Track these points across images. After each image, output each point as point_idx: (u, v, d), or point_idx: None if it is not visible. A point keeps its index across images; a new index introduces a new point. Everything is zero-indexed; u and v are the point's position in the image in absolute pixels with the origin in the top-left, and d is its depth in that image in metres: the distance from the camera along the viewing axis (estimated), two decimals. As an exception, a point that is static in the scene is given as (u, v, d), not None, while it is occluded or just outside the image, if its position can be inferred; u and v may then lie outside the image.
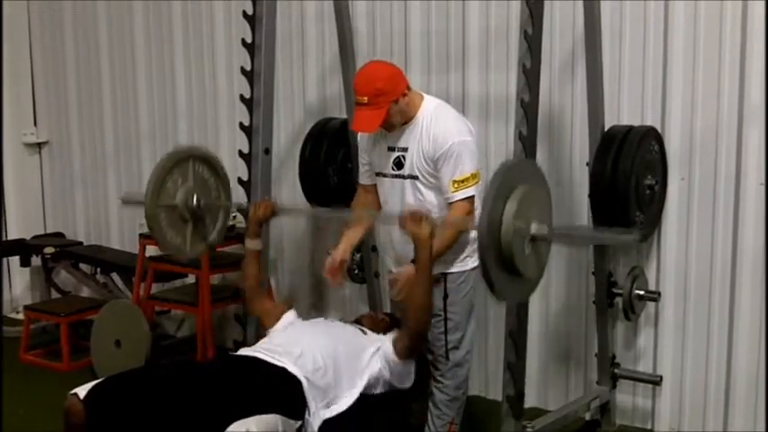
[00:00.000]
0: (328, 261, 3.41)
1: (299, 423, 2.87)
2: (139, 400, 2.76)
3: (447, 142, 3.16)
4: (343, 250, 3.43)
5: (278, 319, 3.35)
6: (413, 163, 3.25)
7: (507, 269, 2.67)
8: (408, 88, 3.24)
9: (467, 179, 3.17)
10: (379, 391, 3.15)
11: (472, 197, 3.20)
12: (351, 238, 3.49)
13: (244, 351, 3.14)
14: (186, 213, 3.50)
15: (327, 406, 3.00)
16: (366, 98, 3.15)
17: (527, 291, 2.93)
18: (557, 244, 2.89)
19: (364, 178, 3.52)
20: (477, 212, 3.34)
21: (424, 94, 3.34)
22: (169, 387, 2.81)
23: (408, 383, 3.23)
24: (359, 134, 3.48)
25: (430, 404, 3.40)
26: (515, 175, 2.72)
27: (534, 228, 2.71)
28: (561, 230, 2.79)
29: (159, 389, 2.80)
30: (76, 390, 2.77)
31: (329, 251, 3.50)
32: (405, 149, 3.27)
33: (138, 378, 2.94)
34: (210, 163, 3.61)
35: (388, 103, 3.16)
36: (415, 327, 3.14)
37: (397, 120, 3.23)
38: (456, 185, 3.17)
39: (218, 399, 2.74)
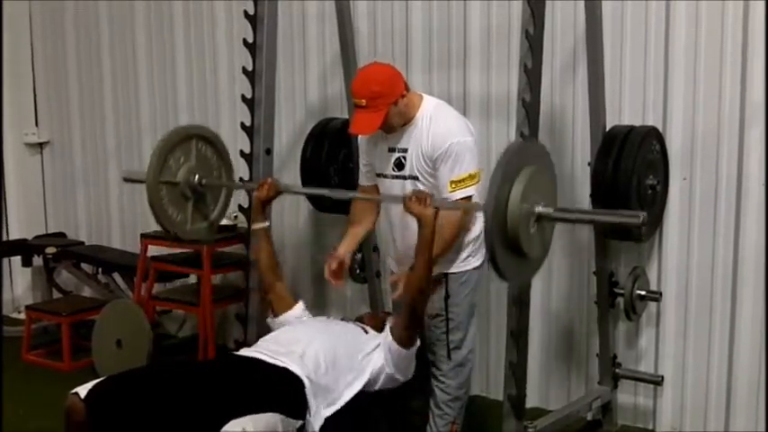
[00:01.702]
0: (328, 263, 3.41)
1: (301, 422, 2.87)
2: (140, 400, 2.76)
3: (446, 142, 3.16)
4: (343, 251, 3.43)
5: (289, 307, 3.37)
6: (413, 163, 3.25)
7: (512, 249, 2.69)
8: (407, 89, 3.24)
9: (464, 179, 3.17)
10: (378, 386, 3.14)
11: (470, 197, 3.20)
12: (351, 238, 3.50)
13: (245, 351, 3.14)
14: (188, 191, 3.52)
15: (328, 405, 3.00)
16: (364, 101, 3.16)
17: (531, 271, 2.96)
18: (562, 223, 2.96)
19: (364, 179, 3.51)
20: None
21: (424, 95, 3.34)
22: (170, 387, 2.81)
23: (409, 374, 3.21)
24: (359, 136, 3.48)
25: (431, 404, 3.40)
26: (521, 157, 2.75)
27: (540, 207, 2.73)
28: (566, 210, 2.82)
29: (160, 388, 2.80)
30: (77, 389, 2.77)
31: (334, 247, 3.50)
32: (405, 150, 3.27)
33: (139, 377, 2.94)
34: (213, 142, 3.62)
35: (387, 105, 3.16)
36: (410, 304, 3.09)
37: (396, 122, 3.23)
38: (454, 185, 3.16)
39: (218, 398, 2.74)
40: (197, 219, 3.60)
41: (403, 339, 3.13)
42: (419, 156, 3.23)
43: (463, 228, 3.25)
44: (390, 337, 3.14)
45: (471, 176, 3.18)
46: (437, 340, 3.35)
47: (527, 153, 2.83)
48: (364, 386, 3.10)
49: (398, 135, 3.28)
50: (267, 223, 3.47)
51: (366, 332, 3.29)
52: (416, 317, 3.13)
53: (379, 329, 3.33)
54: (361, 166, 3.52)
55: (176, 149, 3.47)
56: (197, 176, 3.53)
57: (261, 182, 3.44)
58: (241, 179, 3.75)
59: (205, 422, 2.67)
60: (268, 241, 3.46)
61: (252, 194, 3.53)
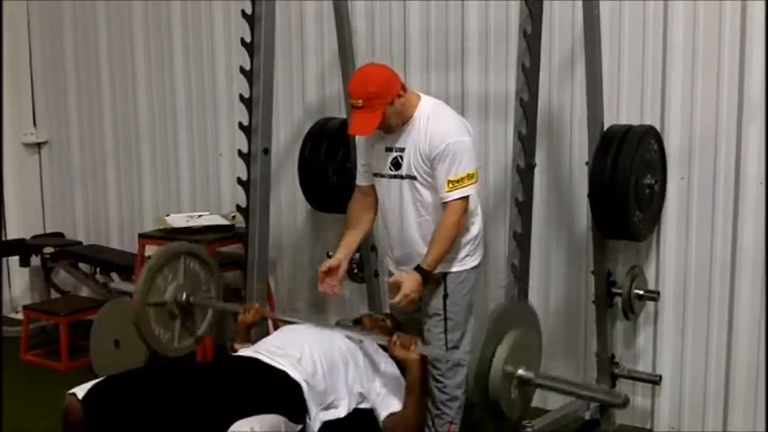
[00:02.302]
0: (320, 270, 3.41)
1: (301, 427, 2.87)
2: (138, 400, 2.76)
3: (443, 142, 3.16)
4: (336, 261, 3.43)
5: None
6: (410, 163, 3.25)
7: (492, 411, 2.79)
8: (404, 89, 3.24)
9: (462, 179, 3.17)
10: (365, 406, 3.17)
11: (467, 197, 3.20)
12: (347, 247, 3.50)
13: (243, 351, 3.14)
14: (175, 309, 3.57)
15: (326, 409, 3.00)
16: (361, 101, 3.16)
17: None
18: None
19: (362, 180, 3.51)
20: (477, 211, 3.37)
21: (422, 94, 3.34)
22: (168, 387, 2.81)
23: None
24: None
25: (429, 404, 3.39)
26: (509, 319, 2.87)
27: (522, 371, 2.83)
28: (547, 379, 2.97)
29: (158, 389, 2.80)
30: (74, 389, 2.78)
31: (329, 253, 3.50)
32: (402, 150, 3.27)
33: (137, 378, 2.94)
34: (202, 258, 3.66)
35: (383, 105, 3.16)
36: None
37: (394, 122, 3.23)
38: (451, 185, 3.16)
39: (217, 399, 2.74)
40: (184, 336, 3.66)
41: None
42: (417, 155, 3.23)
43: (462, 228, 3.26)
44: (384, 414, 3.12)
45: (469, 176, 3.18)
46: (435, 340, 3.35)
47: (515, 315, 2.94)
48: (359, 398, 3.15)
49: (396, 134, 3.28)
50: (249, 345, 3.38)
51: (361, 343, 3.28)
52: None
53: (378, 333, 3.34)
54: (358, 165, 3.52)
55: (164, 268, 3.52)
56: (185, 294, 3.56)
57: (247, 306, 3.46)
58: (239, 179, 3.74)
59: (204, 422, 2.67)
60: None
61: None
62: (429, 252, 3.20)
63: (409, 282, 3.18)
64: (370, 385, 3.16)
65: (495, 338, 2.77)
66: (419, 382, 3.05)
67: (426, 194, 3.26)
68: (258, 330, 3.55)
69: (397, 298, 3.18)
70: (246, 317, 3.41)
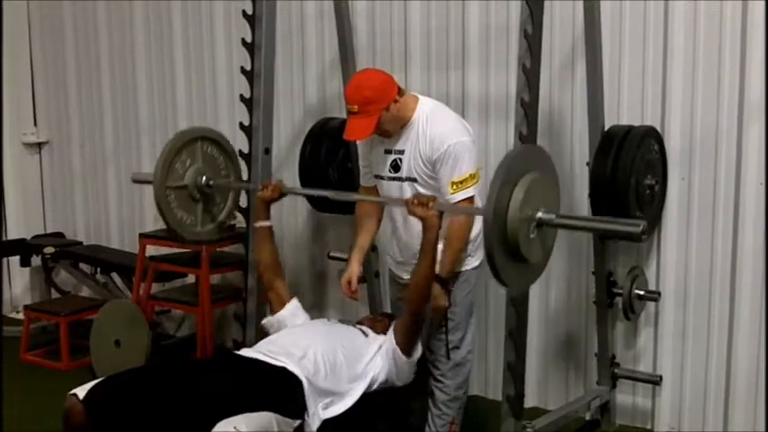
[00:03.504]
0: (344, 281, 3.47)
1: (298, 422, 2.87)
2: (139, 401, 2.76)
3: (444, 144, 3.17)
4: (356, 268, 3.48)
5: (283, 305, 3.41)
6: (410, 165, 3.26)
7: (512, 255, 2.70)
8: (401, 93, 3.25)
9: (465, 180, 3.18)
10: (376, 387, 3.15)
11: (472, 197, 3.21)
12: (359, 251, 3.53)
13: (245, 351, 3.14)
14: (196, 193, 3.55)
15: (326, 407, 3.00)
16: (356, 106, 3.18)
17: (532, 277, 2.96)
18: (562, 230, 2.93)
19: (365, 180, 3.53)
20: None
21: (420, 96, 3.34)
22: (169, 387, 2.81)
23: (408, 380, 3.24)
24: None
25: (430, 404, 3.40)
26: (523, 162, 2.75)
27: (541, 213, 2.74)
28: (568, 217, 2.84)
29: (159, 389, 2.80)
30: (75, 390, 2.77)
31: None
32: (401, 152, 3.28)
33: (138, 378, 2.94)
34: (219, 143, 3.65)
35: (379, 110, 3.17)
36: (413, 307, 3.13)
37: (391, 127, 3.24)
38: (455, 186, 3.17)
39: (217, 399, 2.74)
40: (206, 220, 3.64)
41: (405, 344, 3.15)
42: (417, 158, 3.23)
43: (469, 228, 3.26)
44: (393, 343, 3.16)
45: (472, 176, 3.19)
46: (436, 340, 3.35)
47: (528, 158, 2.83)
48: (365, 389, 3.11)
49: (395, 137, 3.28)
50: (270, 223, 3.48)
51: (366, 335, 3.29)
52: (419, 319, 3.15)
53: (379, 332, 3.34)
54: (360, 167, 3.53)
55: (182, 152, 3.51)
56: (204, 178, 3.56)
57: (265, 183, 3.47)
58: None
59: (205, 422, 2.67)
60: (270, 240, 3.49)
61: (256, 195, 3.54)
62: (445, 259, 3.21)
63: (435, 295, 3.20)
64: (374, 364, 3.16)
65: (511, 181, 2.67)
66: (434, 244, 3.05)
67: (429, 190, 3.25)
68: (257, 331, 3.57)
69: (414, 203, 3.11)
70: (265, 193, 3.44)
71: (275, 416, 2.75)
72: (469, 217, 3.24)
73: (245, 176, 3.80)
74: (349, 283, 3.46)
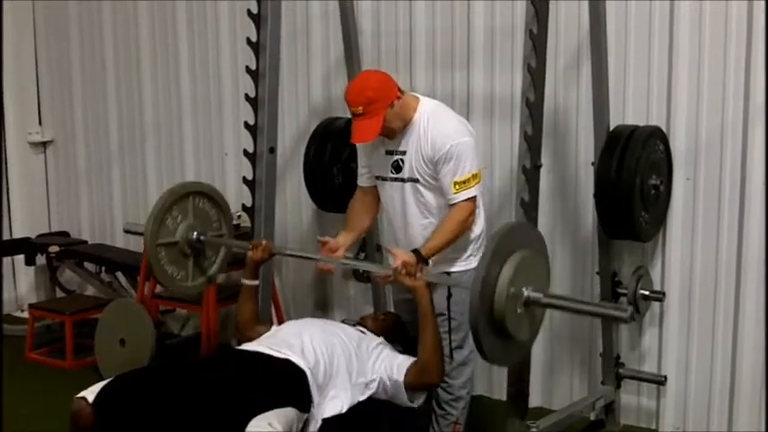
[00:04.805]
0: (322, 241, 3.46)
1: (306, 416, 2.88)
2: (149, 403, 2.75)
3: (446, 144, 3.16)
4: (342, 241, 3.47)
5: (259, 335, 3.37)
6: (412, 166, 3.25)
7: (498, 331, 2.65)
8: (401, 92, 3.25)
9: (468, 180, 3.17)
10: (372, 391, 3.17)
11: (474, 197, 3.21)
12: (349, 233, 3.54)
13: (247, 346, 3.16)
14: (187, 248, 3.56)
15: (328, 402, 3.01)
16: (361, 108, 3.16)
17: (518, 354, 2.93)
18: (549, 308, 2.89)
19: (363, 180, 3.53)
20: (480, 212, 3.36)
21: (420, 96, 3.34)
22: (178, 387, 2.81)
23: (404, 404, 3.22)
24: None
25: (434, 404, 3.39)
26: (515, 239, 2.73)
27: (529, 292, 2.70)
28: (555, 297, 2.81)
29: (168, 390, 2.79)
30: (83, 393, 2.75)
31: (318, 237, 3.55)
32: (403, 153, 3.28)
33: (146, 380, 2.93)
34: (210, 196, 3.67)
35: (383, 109, 3.16)
36: (424, 368, 3.12)
37: (395, 125, 3.23)
38: (458, 187, 3.17)
39: (229, 396, 2.75)
40: (196, 274, 3.66)
41: (413, 389, 3.16)
42: (419, 158, 3.23)
43: (467, 227, 3.25)
44: (402, 378, 3.14)
45: (474, 176, 3.19)
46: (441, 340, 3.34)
47: (520, 234, 2.81)
48: (371, 393, 3.15)
49: (396, 138, 3.28)
50: (257, 282, 3.48)
51: (364, 333, 3.31)
52: (427, 377, 3.14)
53: (378, 331, 3.35)
54: (359, 167, 3.53)
55: (173, 209, 3.53)
56: (195, 233, 3.57)
57: (255, 243, 3.47)
58: (245, 178, 3.74)
59: (220, 421, 2.67)
60: (254, 298, 3.50)
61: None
62: (431, 239, 3.19)
63: (401, 253, 3.15)
64: (373, 366, 3.17)
65: (500, 258, 2.63)
66: (430, 311, 3.06)
67: (430, 197, 3.27)
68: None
69: (397, 262, 3.10)
70: (255, 253, 3.44)
71: (296, 411, 2.77)
72: (469, 217, 3.22)
73: (248, 172, 3.79)
74: (323, 244, 3.44)
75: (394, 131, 3.25)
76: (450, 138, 3.17)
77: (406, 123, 3.26)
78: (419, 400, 3.23)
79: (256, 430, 2.61)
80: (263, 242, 3.46)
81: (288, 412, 2.74)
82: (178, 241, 3.54)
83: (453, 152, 3.16)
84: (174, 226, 3.53)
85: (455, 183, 3.17)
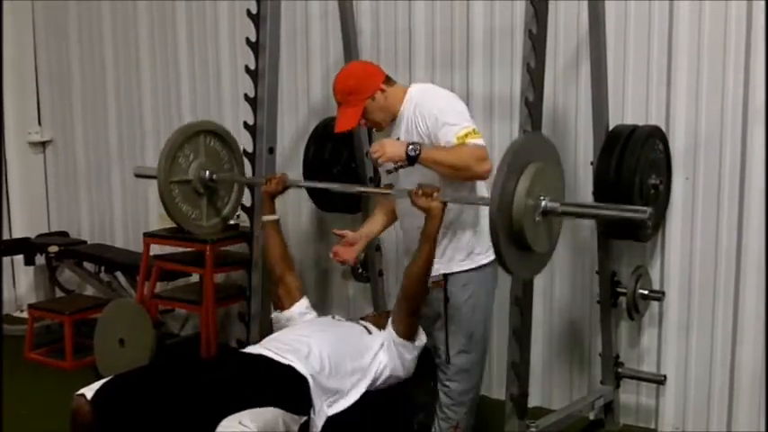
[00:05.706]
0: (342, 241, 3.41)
1: (304, 419, 2.87)
2: (147, 401, 2.75)
3: (434, 115, 3.09)
4: (354, 236, 3.41)
5: (294, 302, 3.40)
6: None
7: (518, 243, 2.73)
8: (389, 84, 3.23)
9: (468, 134, 3.05)
10: (380, 383, 3.16)
11: (483, 147, 3.07)
12: (373, 224, 3.51)
13: (251, 348, 3.14)
14: (200, 187, 3.56)
15: (332, 405, 3.00)
16: (340, 97, 3.21)
17: (538, 265, 2.97)
18: (568, 218, 2.95)
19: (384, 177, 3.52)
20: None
21: (411, 86, 3.29)
22: (176, 386, 2.81)
23: (411, 370, 3.23)
24: (373, 133, 3.47)
25: (436, 406, 3.39)
26: (529, 151, 2.77)
27: (546, 202, 2.77)
28: (572, 204, 2.86)
29: (167, 388, 2.79)
30: (83, 390, 2.75)
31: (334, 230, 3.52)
32: (398, 139, 3.24)
33: (145, 378, 2.93)
34: (221, 136, 3.66)
35: (363, 100, 3.17)
36: (408, 293, 3.12)
37: (379, 117, 3.22)
38: (461, 138, 3.04)
39: (224, 397, 2.74)
40: (211, 214, 3.66)
41: (404, 330, 3.16)
42: (419, 138, 3.14)
43: (479, 171, 3.07)
44: (393, 332, 3.16)
45: (474, 131, 3.06)
46: (440, 344, 3.33)
47: (534, 148, 2.85)
48: (368, 386, 3.12)
49: (390, 130, 3.28)
50: (277, 216, 3.49)
51: (370, 332, 3.29)
52: (416, 306, 3.15)
53: (382, 328, 3.34)
54: (378, 168, 3.53)
55: (185, 147, 3.52)
56: (208, 172, 3.57)
57: (269, 176, 3.48)
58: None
59: (210, 420, 2.67)
60: (278, 232, 3.50)
61: (260, 190, 3.54)
62: (434, 149, 3.06)
63: (388, 142, 3.11)
64: (379, 364, 3.16)
65: (517, 171, 2.68)
66: (435, 234, 3.04)
67: (434, 175, 3.14)
68: (260, 330, 3.57)
69: (375, 146, 3.09)
70: (269, 186, 3.45)
71: (281, 412, 2.75)
72: (482, 159, 3.04)
73: (248, 172, 3.79)
74: (340, 237, 3.40)
75: (379, 123, 3.25)
76: (438, 108, 3.11)
77: (393, 116, 3.24)
78: (420, 340, 3.21)
79: (227, 430, 2.58)
80: (278, 175, 3.48)
81: (264, 412, 2.70)
82: (191, 179, 3.56)
83: (443, 118, 3.07)
84: (186, 164, 3.55)
85: (458, 137, 3.04)
